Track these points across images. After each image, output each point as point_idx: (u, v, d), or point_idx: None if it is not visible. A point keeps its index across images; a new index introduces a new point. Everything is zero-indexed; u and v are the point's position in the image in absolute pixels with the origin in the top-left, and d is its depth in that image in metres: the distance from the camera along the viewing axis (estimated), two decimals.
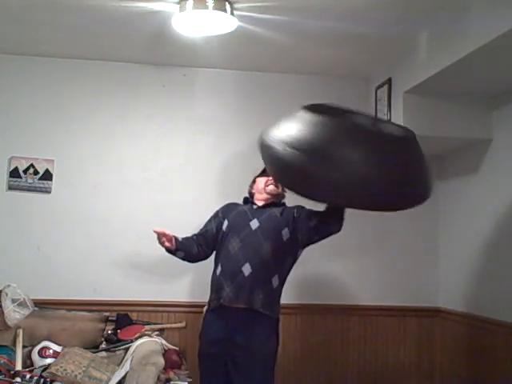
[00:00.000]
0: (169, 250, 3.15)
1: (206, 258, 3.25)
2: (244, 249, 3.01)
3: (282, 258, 3.04)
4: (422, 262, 4.19)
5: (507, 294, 3.42)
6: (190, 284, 3.91)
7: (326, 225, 2.96)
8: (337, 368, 4.03)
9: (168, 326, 3.80)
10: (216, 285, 3.06)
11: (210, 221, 3.28)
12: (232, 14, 2.99)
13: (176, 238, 3.14)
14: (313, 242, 3.07)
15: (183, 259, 3.23)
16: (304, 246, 3.11)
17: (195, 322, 3.53)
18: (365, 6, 2.94)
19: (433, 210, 4.22)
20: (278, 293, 3.04)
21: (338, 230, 2.95)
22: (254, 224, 3.06)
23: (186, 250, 3.18)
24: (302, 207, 3.08)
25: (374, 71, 3.98)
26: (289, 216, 3.09)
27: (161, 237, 3.07)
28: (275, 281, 2.99)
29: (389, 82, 3.76)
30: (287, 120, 2.61)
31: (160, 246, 3.12)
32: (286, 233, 3.04)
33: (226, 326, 2.98)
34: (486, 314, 3.58)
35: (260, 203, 3.19)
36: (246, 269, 2.96)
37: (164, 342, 3.57)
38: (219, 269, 3.07)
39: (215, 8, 2.91)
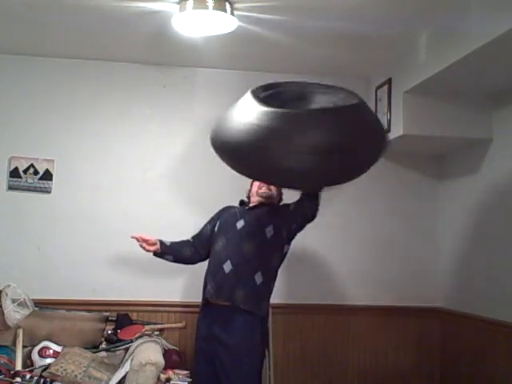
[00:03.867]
0: (156, 254, 3.24)
1: (201, 260, 3.31)
2: (227, 248, 3.08)
3: (267, 255, 3.07)
4: (421, 262, 4.18)
5: (507, 293, 3.42)
6: (190, 284, 3.91)
7: (301, 209, 3.06)
8: (337, 368, 4.03)
9: (168, 325, 3.80)
10: (204, 283, 3.14)
11: (206, 224, 3.37)
12: (232, 14, 2.99)
13: (162, 242, 3.22)
14: (294, 232, 3.12)
15: (175, 262, 3.33)
16: (289, 240, 3.15)
17: (195, 321, 3.53)
18: (365, 5, 2.94)
19: (433, 210, 4.22)
20: (263, 290, 3.05)
21: (313, 215, 3.05)
22: (240, 224, 3.12)
23: (175, 253, 3.27)
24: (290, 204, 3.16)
25: (374, 71, 3.98)
26: (275, 213, 3.14)
27: (140, 242, 3.17)
28: (258, 278, 3.01)
29: (389, 82, 3.76)
30: (236, 110, 2.68)
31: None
32: (269, 230, 3.07)
33: (210, 323, 3.05)
34: (485, 314, 3.58)
35: (252, 204, 3.24)
36: (227, 266, 3.01)
37: (164, 342, 3.58)
38: (207, 268, 3.16)
39: (215, 8, 2.91)
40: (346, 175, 2.66)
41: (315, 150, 2.39)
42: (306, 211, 3.06)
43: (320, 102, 2.71)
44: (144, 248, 3.20)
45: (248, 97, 2.63)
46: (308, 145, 2.39)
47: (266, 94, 2.70)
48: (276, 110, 2.45)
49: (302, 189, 2.99)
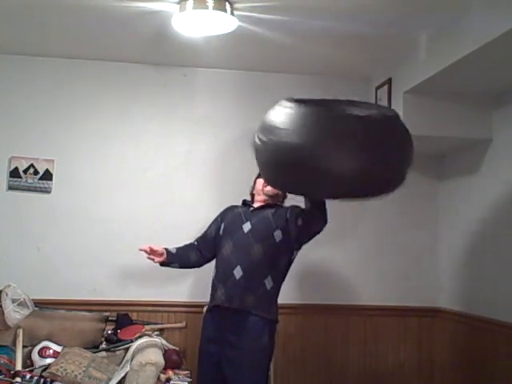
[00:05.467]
0: (162, 264, 3.22)
1: (206, 262, 3.29)
2: (236, 252, 3.04)
3: (276, 259, 3.04)
4: (421, 262, 4.19)
5: (507, 294, 3.42)
6: (189, 284, 3.91)
7: (309, 224, 2.94)
8: (337, 368, 4.03)
9: (168, 325, 3.80)
10: (212, 287, 3.11)
11: (210, 225, 3.33)
12: (232, 14, 2.99)
13: (168, 251, 3.20)
14: (303, 242, 3.06)
15: (181, 268, 3.31)
16: (299, 247, 3.10)
17: (195, 321, 3.54)
18: (365, 6, 2.94)
19: (433, 210, 4.22)
20: (272, 294, 3.04)
21: (321, 228, 2.91)
22: (247, 227, 3.08)
23: (181, 260, 3.25)
24: (296, 207, 3.06)
25: (374, 71, 3.98)
26: (281, 216, 3.08)
27: (148, 253, 3.16)
28: (268, 282, 3.00)
29: (389, 82, 3.76)
30: (273, 115, 2.49)
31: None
32: (278, 234, 3.04)
33: (219, 326, 3.02)
34: (486, 314, 3.58)
35: (257, 204, 3.20)
36: (237, 272, 2.98)
37: (164, 342, 3.57)
38: (215, 271, 3.13)
39: (215, 8, 2.90)
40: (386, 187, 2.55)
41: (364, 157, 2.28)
42: (314, 228, 2.94)
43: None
44: (152, 260, 3.18)
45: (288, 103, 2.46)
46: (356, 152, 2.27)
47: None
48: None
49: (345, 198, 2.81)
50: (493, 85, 3.44)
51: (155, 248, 3.17)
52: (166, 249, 3.21)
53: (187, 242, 3.34)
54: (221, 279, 3.04)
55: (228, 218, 3.22)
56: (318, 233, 2.96)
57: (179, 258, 3.24)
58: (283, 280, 3.11)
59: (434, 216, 4.22)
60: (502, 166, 3.56)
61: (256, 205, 3.21)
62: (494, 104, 3.65)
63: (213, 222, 3.32)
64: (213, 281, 3.11)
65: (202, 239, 3.30)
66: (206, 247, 3.25)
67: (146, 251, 3.17)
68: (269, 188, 3.14)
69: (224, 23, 3.04)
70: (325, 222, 2.89)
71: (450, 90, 3.51)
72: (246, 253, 3.01)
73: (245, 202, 3.30)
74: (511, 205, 3.46)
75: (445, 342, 4.06)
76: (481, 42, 2.76)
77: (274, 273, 3.03)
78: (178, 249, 3.26)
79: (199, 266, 3.32)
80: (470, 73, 3.20)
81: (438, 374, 4.10)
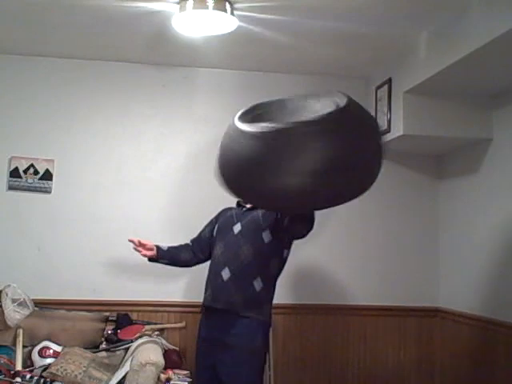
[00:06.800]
0: (151, 259, 3.20)
1: (198, 262, 3.27)
2: (225, 253, 3.02)
3: (265, 260, 2.99)
4: (422, 262, 4.19)
5: (507, 294, 3.42)
6: (190, 284, 3.91)
7: (293, 226, 2.83)
8: (337, 368, 4.03)
9: (168, 325, 3.81)
10: (204, 287, 3.10)
11: (204, 227, 3.32)
12: (232, 14, 2.99)
13: (159, 248, 3.19)
14: (289, 242, 3.02)
15: (170, 265, 3.29)
16: (289, 246, 3.06)
17: (195, 322, 3.52)
18: (365, 6, 2.94)
19: (433, 210, 4.22)
20: (263, 295, 2.98)
21: (305, 233, 2.81)
22: (237, 228, 3.06)
23: (171, 258, 3.24)
24: None
25: (374, 71, 3.98)
26: (270, 217, 3.01)
27: (137, 245, 3.14)
28: (258, 284, 2.95)
29: (389, 82, 3.76)
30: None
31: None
32: (267, 235, 2.98)
33: (211, 327, 3.02)
34: (486, 314, 3.58)
35: (249, 205, 3.18)
36: (225, 273, 2.96)
37: (164, 341, 3.58)
38: (208, 274, 3.12)
39: (215, 8, 2.91)
40: (347, 193, 2.48)
41: (307, 171, 2.18)
42: (297, 233, 2.87)
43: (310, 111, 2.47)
44: (139, 252, 3.15)
45: (235, 121, 2.54)
46: (299, 166, 2.17)
47: (254, 115, 2.59)
48: (255, 130, 2.32)
49: (295, 211, 2.70)
50: (493, 85, 3.44)
51: (144, 242, 3.15)
52: (157, 246, 3.19)
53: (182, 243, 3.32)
54: (210, 280, 3.04)
55: (221, 220, 3.21)
56: (303, 236, 2.86)
57: (169, 255, 3.22)
58: (275, 281, 3.06)
59: (434, 216, 4.23)
60: (501, 165, 3.56)
61: (248, 205, 3.20)
62: (493, 104, 3.65)
63: (207, 224, 3.31)
64: (206, 281, 3.11)
65: (197, 241, 3.29)
66: (200, 248, 3.25)
67: (133, 242, 3.14)
68: None
69: (224, 23, 3.04)
70: (306, 229, 2.79)
71: (450, 89, 3.51)
72: (234, 254, 2.98)
73: (239, 203, 3.28)
74: (511, 205, 3.46)
75: (445, 342, 4.06)
76: (481, 42, 2.76)
77: (263, 274, 2.98)
78: (171, 247, 3.25)
79: (190, 265, 3.31)
80: (470, 73, 3.20)
81: (438, 374, 4.10)
